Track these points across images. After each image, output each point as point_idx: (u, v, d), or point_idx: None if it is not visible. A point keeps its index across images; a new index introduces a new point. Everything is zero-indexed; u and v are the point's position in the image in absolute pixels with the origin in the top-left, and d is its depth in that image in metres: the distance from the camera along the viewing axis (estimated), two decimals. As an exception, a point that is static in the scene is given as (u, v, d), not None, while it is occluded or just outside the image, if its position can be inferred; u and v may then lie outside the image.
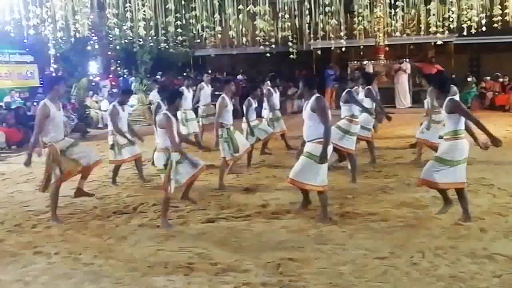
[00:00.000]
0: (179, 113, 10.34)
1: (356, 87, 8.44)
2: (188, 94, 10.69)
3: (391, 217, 5.63)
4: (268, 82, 11.38)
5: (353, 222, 5.52)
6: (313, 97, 5.37)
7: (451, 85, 7.47)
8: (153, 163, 8.82)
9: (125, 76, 20.31)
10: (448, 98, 5.23)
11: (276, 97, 10.17)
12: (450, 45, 18.19)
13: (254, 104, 8.79)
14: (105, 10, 10.84)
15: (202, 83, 11.46)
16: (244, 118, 8.66)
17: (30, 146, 5.80)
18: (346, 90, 7.50)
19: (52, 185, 5.86)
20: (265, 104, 10.04)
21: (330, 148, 5.36)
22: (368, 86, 8.26)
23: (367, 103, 8.16)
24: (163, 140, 5.49)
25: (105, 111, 16.43)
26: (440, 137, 5.52)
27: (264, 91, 10.13)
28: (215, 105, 8.14)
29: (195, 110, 11.18)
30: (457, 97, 6.26)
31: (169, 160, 5.45)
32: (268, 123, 9.76)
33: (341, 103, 7.60)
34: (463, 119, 5.16)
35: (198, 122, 11.07)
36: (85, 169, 6.10)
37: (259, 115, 9.43)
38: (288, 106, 17.53)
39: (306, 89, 5.49)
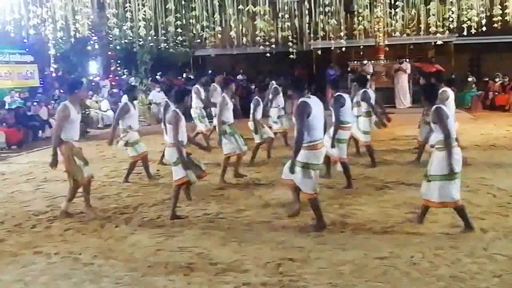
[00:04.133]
0: (194, 111, 10.44)
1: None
2: (202, 92, 10.78)
3: (391, 217, 5.63)
4: (274, 82, 11.44)
5: (353, 222, 5.53)
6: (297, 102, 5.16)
7: (445, 89, 7.42)
8: (159, 163, 8.89)
9: (123, 76, 20.30)
10: (434, 106, 4.98)
11: (281, 95, 10.40)
12: (450, 45, 18.17)
13: (262, 104, 8.87)
14: (105, 10, 10.83)
15: (214, 83, 11.56)
16: (250, 117, 8.70)
17: (54, 147, 5.87)
18: (335, 95, 7.07)
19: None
20: (274, 103, 10.14)
21: (320, 152, 5.21)
22: (365, 89, 8.20)
23: (365, 106, 8.14)
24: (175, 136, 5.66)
25: (105, 111, 16.49)
26: (432, 146, 5.28)
27: (271, 89, 10.27)
28: None
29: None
30: (449, 102, 6.02)
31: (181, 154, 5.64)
32: (276, 121, 10.09)
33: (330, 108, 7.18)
34: (452, 126, 4.93)
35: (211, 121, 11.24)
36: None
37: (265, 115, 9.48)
38: (288, 106, 17.50)
39: (295, 93, 5.33)
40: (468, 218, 5.11)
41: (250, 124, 8.68)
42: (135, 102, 8.04)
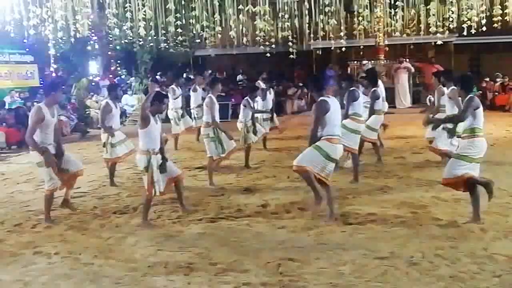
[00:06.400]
0: (171, 113, 10.36)
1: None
2: (178, 92, 10.68)
3: (391, 217, 5.63)
4: (260, 82, 11.32)
5: (353, 222, 5.52)
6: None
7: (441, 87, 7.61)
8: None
9: (122, 76, 20.31)
10: (468, 96, 5.25)
11: (269, 98, 10.17)
12: (450, 45, 18.18)
13: (251, 105, 8.78)
14: (105, 10, 10.84)
15: (195, 85, 11.39)
16: (239, 118, 8.66)
17: (36, 149, 5.70)
18: (350, 89, 7.34)
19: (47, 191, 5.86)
20: (263, 106, 9.97)
21: (334, 147, 5.39)
22: (374, 88, 8.18)
23: (375, 105, 8.13)
24: (144, 142, 5.52)
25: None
26: (458, 136, 5.59)
27: (259, 90, 10.14)
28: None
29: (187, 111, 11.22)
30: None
31: (150, 163, 5.45)
32: (260, 123, 9.87)
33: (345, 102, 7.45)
34: (480, 117, 5.18)
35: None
36: (71, 177, 6.04)
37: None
38: (288, 106, 17.54)
39: (315, 93, 5.70)
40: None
41: (239, 125, 8.62)
42: (117, 102, 7.94)
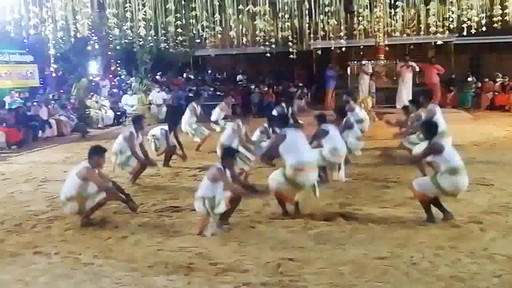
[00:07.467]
0: (186, 128, 10.48)
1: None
2: (199, 111, 10.78)
3: (391, 217, 5.64)
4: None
5: (353, 222, 5.53)
6: None
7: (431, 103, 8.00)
8: (165, 164, 8.79)
9: (122, 76, 20.30)
10: (432, 143, 5.44)
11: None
12: (450, 45, 18.17)
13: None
14: (105, 10, 10.82)
15: (223, 103, 11.56)
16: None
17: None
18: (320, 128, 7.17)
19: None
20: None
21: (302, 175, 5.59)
22: (344, 118, 8.21)
23: (352, 132, 8.24)
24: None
25: (105, 111, 16.51)
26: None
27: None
28: None
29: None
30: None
31: None
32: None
33: None
34: (451, 157, 5.26)
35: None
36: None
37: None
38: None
39: (277, 126, 6.26)
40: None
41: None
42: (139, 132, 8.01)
